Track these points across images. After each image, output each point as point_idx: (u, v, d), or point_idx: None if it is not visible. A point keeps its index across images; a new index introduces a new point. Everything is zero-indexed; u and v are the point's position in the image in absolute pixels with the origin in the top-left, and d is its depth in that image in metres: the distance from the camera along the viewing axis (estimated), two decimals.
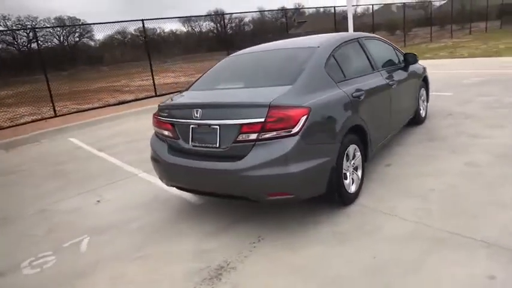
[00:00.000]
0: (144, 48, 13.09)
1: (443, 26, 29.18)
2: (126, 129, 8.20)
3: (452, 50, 16.21)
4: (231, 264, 2.68)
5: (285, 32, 16.73)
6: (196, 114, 3.00)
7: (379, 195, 3.41)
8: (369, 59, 3.96)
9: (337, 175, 3.01)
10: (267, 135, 2.70)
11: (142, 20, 11.35)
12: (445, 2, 31.79)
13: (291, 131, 2.67)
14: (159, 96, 11.88)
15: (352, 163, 3.28)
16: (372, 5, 21.70)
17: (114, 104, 11.17)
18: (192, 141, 3.11)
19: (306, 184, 2.79)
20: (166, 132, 3.33)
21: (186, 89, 3.75)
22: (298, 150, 2.67)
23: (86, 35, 42.63)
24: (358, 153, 3.36)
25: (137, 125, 8.45)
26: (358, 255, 2.58)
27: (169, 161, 3.22)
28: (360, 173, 3.41)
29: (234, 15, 19.66)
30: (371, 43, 4.21)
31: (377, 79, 3.87)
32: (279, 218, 3.24)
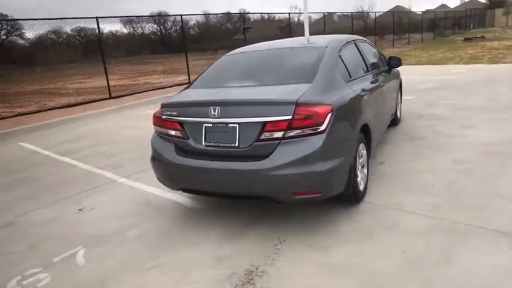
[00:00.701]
0: (81, 49, 12.28)
1: (382, 36, 31.22)
2: (85, 132, 7.66)
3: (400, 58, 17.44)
4: (259, 268, 2.59)
5: (230, 37, 16.84)
6: (213, 112, 2.87)
7: (383, 193, 3.52)
8: (364, 61, 4.11)
9: (354, 173, 3.06)
10: (294, 133, 2.67)
11: (97, 18, 10.70)
12: (381, 13, 34.16)
13: (318, 128, 2.67)
14: (113, 98, 11.26)
15: (360, 161, 3.36)
16: (324, 13, 22.59)
17: (61, 107, 10.34)
18: (205, 140, 2.97)
19: (332, 182, 2.79)
20: (173, 132, 3.14)
21: (187, 87, 3.58)
22: (326, 147, 2.67)
23: (15, 33, 39.08)
24: (364, 152, 3.45)
25: (97, 128, 7.93)
26: (388, 250, 2.64)
27: (177, 163, 3.05)
28: (365, 171, 3.50)
29: (178, 17, 19.16)
30: (363, 46, 4.37)
31: (372, 80, 4.02)
32: (292, 219, 3.21)
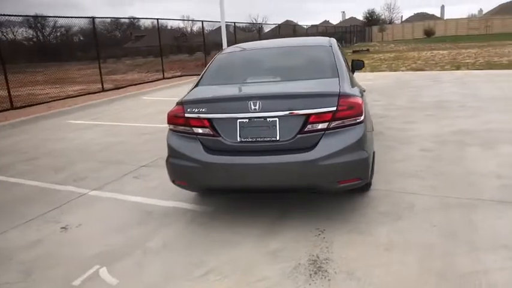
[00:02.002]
0: None
1: None
2: (3, 147, 6.58)
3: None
4: (320, 256, 2.68)
5: (121, 45, 16.28)
6: (254, 107, 2.86)
7: (382, 180, 3.91)
8: (346, 61, 4.51)
9: (373, 161, 3.36)
10: (338, 124, 2.84)
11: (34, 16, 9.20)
12: (274, 26, 36.32)
13: (358, 118, 2.89)
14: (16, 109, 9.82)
15: None
16: (233, 23, 23.20)
17: None
18: (240, 136, 2.93)
19: (369, 169, 3.03)
20: (199, 130, 3.02)
21: (196, 85, 3.46)
22: (365, 136, 2.91)
23: None
24: None
25: (16, 142, 6.89)
26: (421, 226, 2.99)
27: (209, 161, 2.94)
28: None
29: (59, 22, 17.40)
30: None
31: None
32: (318, 210, 3.35)
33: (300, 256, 2.70)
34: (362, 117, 2.91)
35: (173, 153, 3.14)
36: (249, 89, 3.14)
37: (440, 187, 3.67)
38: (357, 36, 47.58)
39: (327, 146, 2.82)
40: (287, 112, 2.85)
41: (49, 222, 3.55)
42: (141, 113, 8.87)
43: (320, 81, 3.18)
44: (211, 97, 3.09)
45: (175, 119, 3.13)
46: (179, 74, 17.15)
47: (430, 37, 45.65)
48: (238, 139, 2.94)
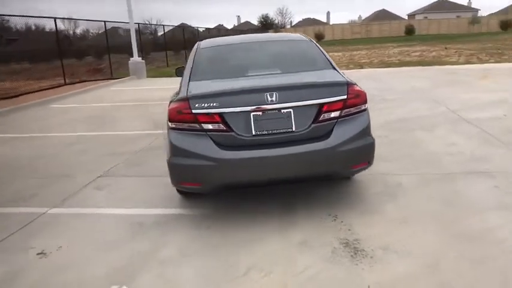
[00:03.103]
0: None
1: (177, 51, 31.20)
2: None
3: None
4: (349, 238, 2.81)
5: None
6: (270, 98, 2.85)
7: None
8: None
9: None
10: (348, 112, 3.00)
11: None
12: (171, 28, 35.27)
13: (364, 106, 3.09)
14: None
15: None
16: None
17: None
18: (255, 130, 2.89)
19: (374, 153, 3.24)
20: (209, 126, 2.88)
21: (190, 80, 3.27)
22: (369, 123, 3.13)
23: None
24: None
25: None
26: (420, 200, 3.34)
27: (225, 158, 2.84)
28: None
29: None
30: None
31: None
32: (318, 198, 3.48)
33: (330, 241, 2.79)
34: (367, 105, 3.12)
35: (180, 153, 2.94)
36: (259, 81, 3.10)
37: (411, 167, 4.12)
38: None
39: (341, 134, 2.96)
40: (300, 103, 2.91)
41: (15, 249, 3.00)
42: (56, 122, 7.93)
43: (322, 72, 3.31)
44: (223, 91, 2.96)
45: (180, 116, 2.93)
46: (77, 80, 15.58)
47: (321, 40, 49.87)
48: (253, 132, 2.89)
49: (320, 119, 2.94)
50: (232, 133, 2.88)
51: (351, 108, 3.01)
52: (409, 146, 4.86)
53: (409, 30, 50.49)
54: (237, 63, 3.63)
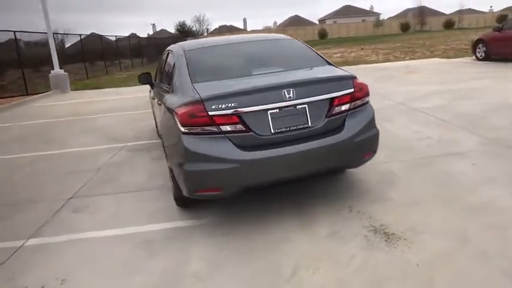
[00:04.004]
0: None
1: (92, 62, 28.80)
2: None
3: None
4: (374, 224, 2.92)
5: None
6: (288, 95, 2.85)
7: None
8: None
9: None
10: (355, 104, 3.12)
11: None
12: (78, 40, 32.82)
13: (367, 98, 3.25)
14: None
15: None
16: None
17: None
18: (273, 128, 2.87)
19: (378, 142, 3.40)
20: (227, 128, 2.78)
21: (193, 83, 3.11)
22: (374, 113, 3.29)
23: None
24: None
25: None
26: (417, 183, 3.60)
27: (247, 159, 2.76)
28: None
29: None
30: None
31: None
32: (319, 195, 3.56)
33: (359, 231, 2.87)
34: (369, 97, 3.28)
35: (197, 159, 2.78)
36: (273, 79, 3.06)
37: (394, 155, 4.41)
38: None
39: (352, 126, 3.06)
40: (314, 98, 2.95)
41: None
42: None
43: (323, 68, 3.40)
44: (240, 90, 2.87)
45: (194, 120, 2.78)
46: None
47: None
48: (272, 131, 2.87)
49: (333, 112, 3.01)
50: (251, 133, 2.83)
51: (357, 101, 3.14)
52: (381, 136, 5.17)
53: (323, 34, 54.03)
54: (235, 63, 3.56)
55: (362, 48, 24.53)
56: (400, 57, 16.96)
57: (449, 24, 52.81)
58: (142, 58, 33.18)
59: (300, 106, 2.93)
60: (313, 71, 3.36)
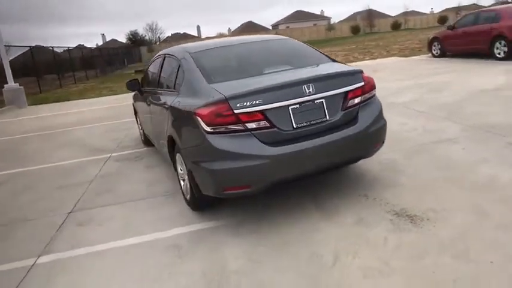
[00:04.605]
0: None
1: (41, 76, 27.19)
2: None
3: (101, 90, 17.71)
4: (394, 209, 3.10)
5: None
6: (308, 90, 2.96)
7: None
8: None
9: None
10: (365, 97, 3.30)
11: None
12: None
13: (374, 91, 3.44)
14: None
15: None
16: None
17: None
18: (295, 123, 2.97)
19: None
20: (253, 125, 2.85)
21: (210, 83, 3.14)
22: (381, 105, 3.48)
23: None
24: None
25: None
26: (422, 168, 3.84)
27: (275, 154, 2.84)
28: None
29: None
30: None
31: None
32: (330, 187, 3.70)
33: (383, 216, 3.03)
34: (375, 91, 3.48)
35: (224, 157, 2.82)
36: (288, 76, 3.15)
37: (390, 145, 4.60)
38: (127, 58, 47.40)
39: (365, 118, 3.23)
40: (330, 92, 3.09)
41: None
42: None
43: (331, 64, 3.55)
44: (264, 87, 2.93)
45: (219, 119, 2.81)
46: None
47: None
48: (294, 126, 2.96)
49: (347, 105, 3.17)
50: (275, 129, 2.90)
51: (367, 94, 3.32)
52: None
53: None
54: (244, 63, 3.62)
55: None
56: (359, 57, 17.72)
57: (396, 25, 55.87)
58: (96, 70, 32.06)
59: (318, 101, 3.05)
60: (323, 67, 3.50)
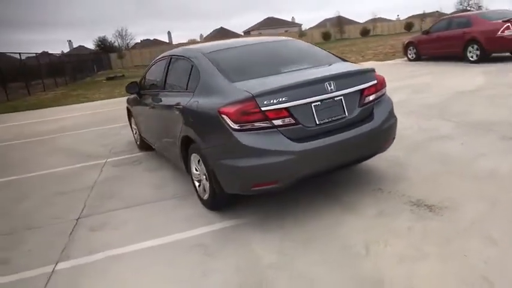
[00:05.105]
0: None
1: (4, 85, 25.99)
2: None
3: (86, 97, 17.19)
4: (411, 200, 3.25)
5: None
6: (330, 87, 3.07)
7: None
8: None
9: None
10: (378, 95, 3.45)
11: None
12: None
13: (385, 90, 3.59)
14: None
15: None
16: None
17: None
18: (318, 119, 3.06)
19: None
20: (279, 122, 2.92)
21: (233, 82, 3.19)
22: (392, 103, 3.64)
23: None
24: None
25: None
26: (424, 162, 4.03)
27: (302, 149, 2.92)
28: None
29: None
30: None
31: None
32: (345, 181, 3.83)
33: (401, 207, 3.17)
34: (386, 89, 3.64)
35: (252, 154, 2.87)
36: (307, 74, 3.25)
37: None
38: (96, 65, 46.33)
39: (379, 114, 3.38)
40: (348, 90, 3.21)
41: None
42: None
43: (343, 64, 3.68)
44: (289, 85, 3.00)
45: (246, 116, 2.87)
46: None
47: None
48: (317, 122, 3.06)
49: (364, 102, 3.30)
50: (300, 125, 2.99)
51: (379, 92, 3.48)
52: None
53: None
54: (261, 63, 3.67)
55: None
56: None
57: (365, 31, 57.66)
58: (65, 77, 31.12)
59: (337, 98, 3.16)
60: (337, 66, 3.62)
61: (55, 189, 4.79)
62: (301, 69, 3.52)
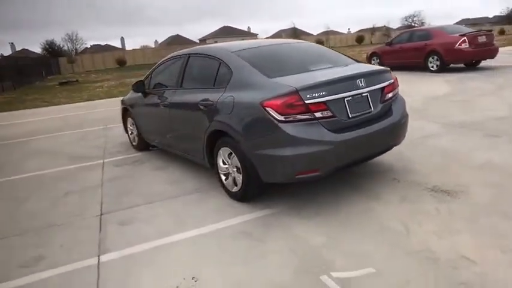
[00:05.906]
0: None
1: None
2: None
3: (43, 101, 16.43)
4: (428, 187, 3.63)
5: None
6: (361, 84, 3.39)
7: None
8: None
9: None
10: (395, 93, 3.84)
11: None
12: None
13: (398, 89, 3.99)
14: None
15: None
16: None
17: None
18: (350, 113, 3.37)
19: None
20: (319, 114, 3.19)
21: (271, 78, 3.40)
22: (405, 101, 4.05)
23: None
24: None
25: None
26: (426, 156, 4.46)
27: (340, 140, 3.21)
28: None
29: None
30: None
31: None
32: (363, 174, 4.17)
33: (421, 193, 3.54)
34: (399, 87, 4.03)
35: (297, 144, 3.10)
36: (337, 72, 3.55)
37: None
38: (44, 70, 44.06)
39: (397, 110, 3.76)
40: (373, 87, 3.55)
41: None
42: None
43: (360, 64, 4.03)
44: (328, 80, 3.27)
45: (291, 109, 3.10)
46: None
47: (123, 66, 48.65)
48: (350, 115, 3.36)
49: (384, 99, 3.67)
50: (336, 118, 3.28)
51: (395, 90, 3.87)
52: None
53: None
54: (289, 61, 3.93)
55: None
56: None
57: (319, 43, 59.43)
58: (11, 82, 29.32)
59: (364, 94, 3.50)
60: (357, 66, 3.97)
61: (61, 188, 4.69)
62: (326, 68, 3.82)
